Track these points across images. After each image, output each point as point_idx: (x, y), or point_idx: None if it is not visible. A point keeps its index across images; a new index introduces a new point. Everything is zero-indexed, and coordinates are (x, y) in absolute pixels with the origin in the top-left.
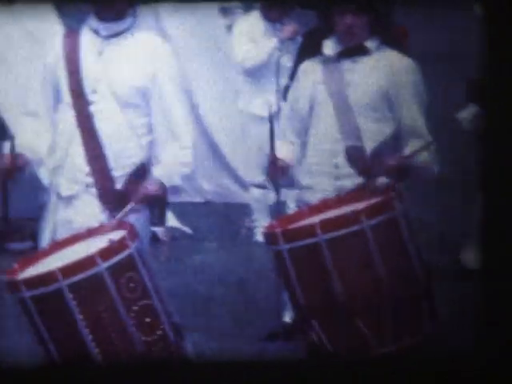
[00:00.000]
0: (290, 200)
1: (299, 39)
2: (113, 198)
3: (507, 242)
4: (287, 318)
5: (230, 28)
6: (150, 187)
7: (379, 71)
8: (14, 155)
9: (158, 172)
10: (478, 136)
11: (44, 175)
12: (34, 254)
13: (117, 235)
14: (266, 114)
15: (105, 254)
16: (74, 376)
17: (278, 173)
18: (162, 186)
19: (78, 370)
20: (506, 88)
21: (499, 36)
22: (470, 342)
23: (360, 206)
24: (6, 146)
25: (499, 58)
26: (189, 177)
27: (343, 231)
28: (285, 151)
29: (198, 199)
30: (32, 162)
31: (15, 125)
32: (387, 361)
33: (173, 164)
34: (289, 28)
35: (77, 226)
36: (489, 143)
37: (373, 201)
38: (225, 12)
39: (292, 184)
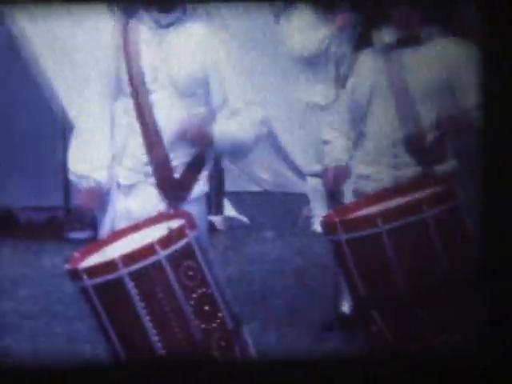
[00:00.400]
0: (347, 189)
1: (352, 29)
2: (171, 187)
3: (508, 241)
4: (345, 308)
5: (277, 17)
6: (188, 126)
7: (439, 59)
8: (88, 191)
9: (231, 126)
10: (478, 136)
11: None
12: (95, 242)
13: (176, 224)
14: (323, 102)
15: (164, 242)
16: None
17: (333, 181)
18: (205, 132)
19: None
20: (506, 88)
21: (499, 36)
22: (473, 341)
23: (420, 195)
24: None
25: (499, 58)
26: (246, 166)
27: (404, 221)
28: (340, 152)
29: (255, 188)
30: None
31: (78, 120)
32: (389, 360)
33: (248, 119)
34: (341, 19)
35: (136, 215)
36: (489, 143)
37: (434, 190)
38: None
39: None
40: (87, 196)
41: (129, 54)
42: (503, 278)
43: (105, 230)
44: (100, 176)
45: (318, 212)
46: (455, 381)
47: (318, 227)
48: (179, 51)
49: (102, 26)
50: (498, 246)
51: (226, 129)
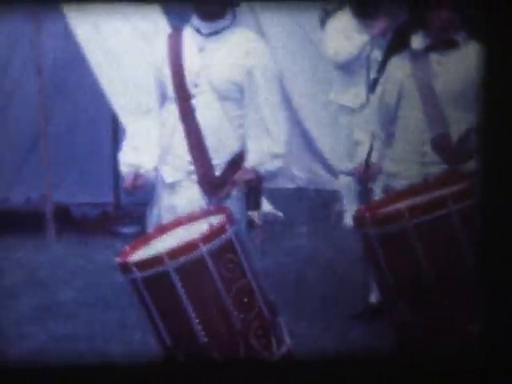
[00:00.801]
0: (377, 186)
1: (389, 35)
2: (212, 184)
3: (508, 240)
4: (373, 298)
5: (323, 21)
6: (245, 174)
7: (467, 62)
8: (136, 176)
9: (251, 161)
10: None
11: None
12: (142, 237)
13: (216, 219)
14: (355, 105)
15: (206, 237)
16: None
17: (368, 179)
18: (257, 173)
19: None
20: (506, 88)
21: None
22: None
23: (446, 191)
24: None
25: (499, 58)
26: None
27: (430, 216)
28: (375, 156)
29: (290, 185)
30: (150, 177)
31: (129, 123)
32: (388, 360)
33: (265, 155)
34: (380, 25)
35: (180, 210)
36: (489, 143)
37: (459, 187)
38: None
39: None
40: (135, 180)
41: (173, 60)
42: (503, 278)
43: (152, 225)
44: (149, 167)
45: (350, 207)
46: (455, 381)
47: (349, 222)
48: (219, 58)
49: (150, 33)
50: (497, 246)
51: (270, 148)
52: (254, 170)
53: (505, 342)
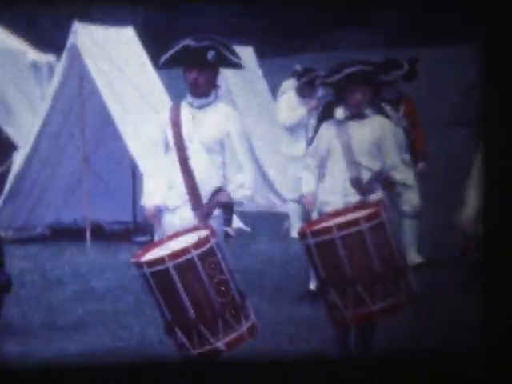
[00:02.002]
0: (314, 210)
1: (320, 108)
2: (201, 209)
3: (507, 238)
4: (312, 286)
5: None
6: (223, 198)
7: (373, 128)
8: (154, 212)
9: (229, 190)
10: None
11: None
12: (151, 244)
13: (203, 233)
14: (298, 154)
15: (196, 245)
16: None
17: (308, 205)
18: (231, 198)
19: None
20: (505, 89)
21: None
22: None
23: (360, 214)
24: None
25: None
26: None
27: (350, 230)
28: (311, 186)
29: (254, 209)
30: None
31: (150, 163)
32: (388, 360)
33: (239, 187)
34: (314, 102)
35: (178, 226)
36: (489, 143)
37: (368, 211)
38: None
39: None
40: (152, 212)
41: (174, 125)
42: (501, 277)
43: (158, 236)
44: (158, 202)
45: (295, 224)
46: (453, 379)
47: (295, 234)
48: (206, 123)
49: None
50: (497, 242)
51: (240, 182)
52: (230, 196)
53: (504, 342)
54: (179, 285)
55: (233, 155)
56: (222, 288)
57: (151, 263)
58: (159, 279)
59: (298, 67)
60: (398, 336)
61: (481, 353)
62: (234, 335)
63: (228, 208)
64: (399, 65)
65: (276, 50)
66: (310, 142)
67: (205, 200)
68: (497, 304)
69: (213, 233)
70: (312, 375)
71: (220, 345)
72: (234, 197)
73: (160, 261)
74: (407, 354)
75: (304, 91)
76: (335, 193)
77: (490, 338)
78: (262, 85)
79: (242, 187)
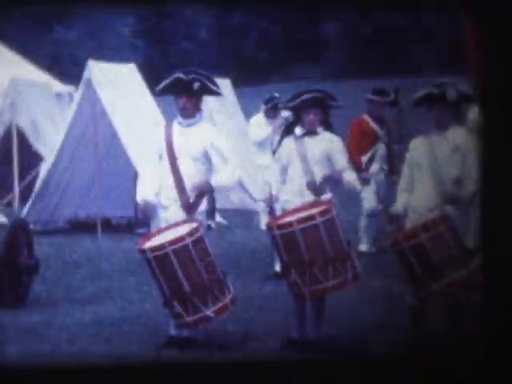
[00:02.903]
0: (278, 208)
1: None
2: (188, 206)
3: (507, 237)
4: (277, 268)
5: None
6: (203, 187)
7: (323, 142)
8: (144, 206)
9: (213, 182)
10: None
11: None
12: (150, 233)
13: (193, 224)
14: (265, 164)
15: (190, 234)
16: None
17: (272, 202)
18: (210, 185)
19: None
20: (506, 88)
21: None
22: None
23: (315, 210)
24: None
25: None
26: (226, 195)
27: (307, 224)
28: (275, 188)
29: (230, 207)
30: (153, 203)
31: (141, 171)
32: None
33: (221, 181)
34: (278, 122)
35: (171, 221)
36: (489, 143)
37: (321, 208)
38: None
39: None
40: (143, 207)
41: (167, 139)
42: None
43: (154, 228)
44: (149, 199)
45: (263, 219)
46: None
47: (263, 227)
48: (193, 138)
49: (156, 121)
50: (496, 246)
51: (220, 181)
52: (210, 184)
53: (504, 342)
54: (177, 265)
55: (218, 154)
56: (210, 268)
57: (154, 249)
58: (160, 262)
59: (276, 95)
60: (397, 336)
61: (479, 353)
62: (220, 305)
63: (210, 197)
64: (387, 93)
65: (248, 81)
66: (274, 153)
67: (191, 199)
68: (498, 301)
69: (200, 225)
70: (312, 375)
71: (209, 312)
72: (221, 182)
73: (161, 247)
74: (407, 354)
75: (270, 113)
76: (294, 194)
77: (489, 338)
78: (237, 108)
79: (229, 174)
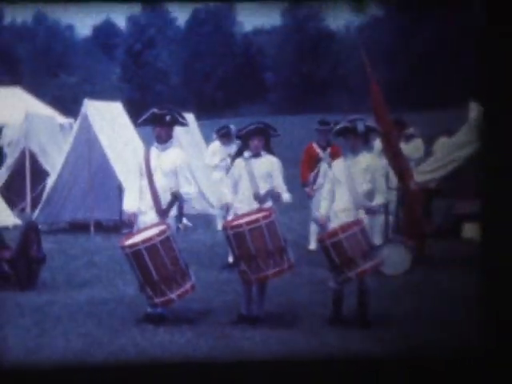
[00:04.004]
0: (231, 212)
1: (236, 151)
2: (161, 212)
3: (507, 236)
4: (230, 260)
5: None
6: (176, 193)
7: (266, 163)
8: (130, 214)
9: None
10: (479, 136)
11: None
12: (130, 234)
13: (162, 227)
14: (221, 180)
15: (158, 235)
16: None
17: (227, 209)
18: (179, 193)
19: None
20: (506, 88)
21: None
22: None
23: (260, 215)
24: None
25: (499, 56)
26: (189, 203)
27: (254, 225)
28: (229, 197)
29: (193, 212)
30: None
31: (129, 184)
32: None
33: (188, 190)
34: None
35: (147, 223)
36: (489, 143)
37: (264, 213)
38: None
39: (231, 207)
40: (129, 214)
41: (146, 161)
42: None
43: (135, 229)
44: (133, 208)
45: (219, 222)
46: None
47: (220, 228)
48: (166, 159)
49: (137, 147)
50: (496, 246)
51: (185, 191)
52: (179, 192)
53: (504, 342)
54: (147, 259)
55: (183, 176)
56: (174, 261)
57: (130, 246)
58: (135, 256)
59: (232, 126)
60: (397, 336)
61: (479, 352)
62: (182, 290)
63: (179, 203)
64: (328, 123)
65: (207, 116)
66: (227, 172)
67: (164, 206)
68: (496, 302)
69: (168, 227)
70: (312, 375)
71: (173, 296)
72: (186, 192)
73: (135, 244)
74: (407, 354)
75: (223, 141)
76: (243, 202)
77: (489, 338)
78: (199, 136)
79: (190, 189)
